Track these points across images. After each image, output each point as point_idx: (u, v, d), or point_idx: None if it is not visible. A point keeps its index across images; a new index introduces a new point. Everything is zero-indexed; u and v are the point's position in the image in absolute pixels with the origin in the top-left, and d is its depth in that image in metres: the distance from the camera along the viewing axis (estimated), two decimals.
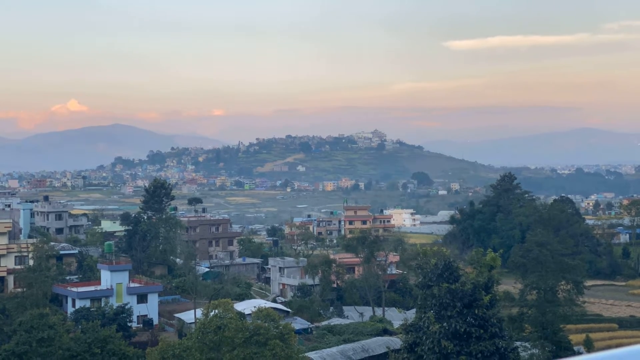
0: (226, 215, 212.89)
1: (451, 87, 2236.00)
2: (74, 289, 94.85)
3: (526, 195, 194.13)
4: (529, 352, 73.99)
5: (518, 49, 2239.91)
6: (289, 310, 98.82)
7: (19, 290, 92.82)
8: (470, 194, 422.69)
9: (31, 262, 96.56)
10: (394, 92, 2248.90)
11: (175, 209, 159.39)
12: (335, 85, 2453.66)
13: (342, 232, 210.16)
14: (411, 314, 71.75)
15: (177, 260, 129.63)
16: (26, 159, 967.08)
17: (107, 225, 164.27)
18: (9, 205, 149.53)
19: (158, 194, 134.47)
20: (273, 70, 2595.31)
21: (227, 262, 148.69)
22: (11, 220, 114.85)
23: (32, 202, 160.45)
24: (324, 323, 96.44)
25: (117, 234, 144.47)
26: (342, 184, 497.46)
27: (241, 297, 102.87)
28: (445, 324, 41.38)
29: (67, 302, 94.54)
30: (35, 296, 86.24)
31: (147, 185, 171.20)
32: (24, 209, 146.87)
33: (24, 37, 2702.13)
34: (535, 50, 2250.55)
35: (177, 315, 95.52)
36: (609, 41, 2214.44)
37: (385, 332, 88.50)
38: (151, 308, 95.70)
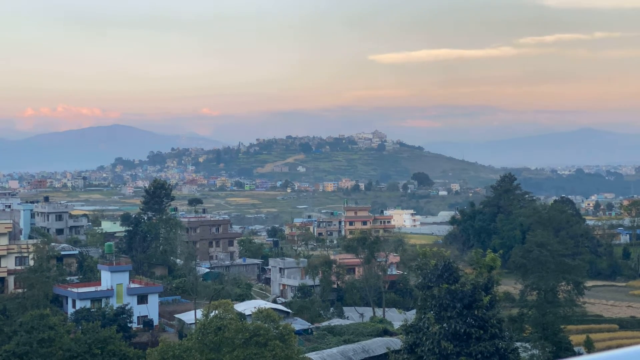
0: (226, 216, 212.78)
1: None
2: (75, 290, 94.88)
3: (526, 195, 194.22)
4: (529, 352, 73.98)
5: (447, 62, 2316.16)
6: (289, 310, 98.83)
7: (20, 291, 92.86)
8: (470, 194, 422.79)
9: (32, 263, 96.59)
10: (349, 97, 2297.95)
11: (175, 209, 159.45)
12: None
13: (343, 232, 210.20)
14: (411, 315, 71.73)
15: (178, 260, 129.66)
16: (26, 160, 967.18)
17: (107, 226, 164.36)
18: (10, 206, 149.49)
19: (158, 194, 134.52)
20: (272, 70, 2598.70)
21: (227, 262, 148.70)
22: (11, 221, 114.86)
23: (32, 202, 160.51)
24: (324, 324, 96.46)
25: (117, 234, 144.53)
26: (343, 184, 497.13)
27: (241, 298, 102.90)
28: (445, 325, 41.38)
29: (67, 303, 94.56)
30: (36, 297, 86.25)
31: (147, 186, 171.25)
32: (24, 210, 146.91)
33: (24, 37, 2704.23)
34: (466, 62, 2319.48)
35: (177, 315, 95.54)
36: (537, 54, 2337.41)
37: (386, 332, 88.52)
38: (151, 309, 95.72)
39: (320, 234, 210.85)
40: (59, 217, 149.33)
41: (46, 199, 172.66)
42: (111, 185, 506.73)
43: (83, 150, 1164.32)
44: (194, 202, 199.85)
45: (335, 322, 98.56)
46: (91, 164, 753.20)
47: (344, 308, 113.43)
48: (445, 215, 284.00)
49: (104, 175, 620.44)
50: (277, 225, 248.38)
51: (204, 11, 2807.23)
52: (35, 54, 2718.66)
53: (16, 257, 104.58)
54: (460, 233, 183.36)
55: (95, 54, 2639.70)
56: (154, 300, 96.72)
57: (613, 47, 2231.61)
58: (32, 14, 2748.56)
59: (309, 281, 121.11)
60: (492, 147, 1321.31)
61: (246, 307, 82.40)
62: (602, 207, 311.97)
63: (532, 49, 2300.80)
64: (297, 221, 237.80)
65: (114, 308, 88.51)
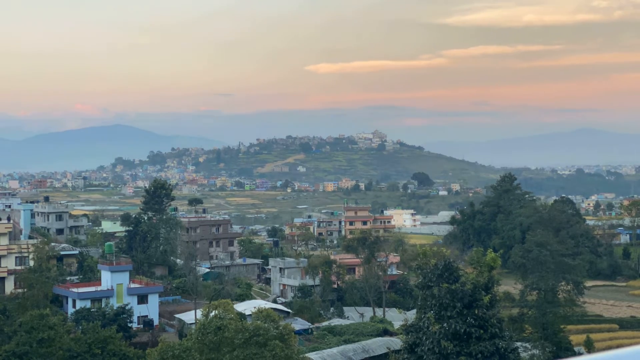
0: (226, 216, 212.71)
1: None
2: (75, 290, 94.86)
3: (526, 195, 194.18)
4: (529, 352, 73.97)
5: (386, 72, 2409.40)
6: (289, 310, 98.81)
7: (20, 291, 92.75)
8: (470, 194, 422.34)
9: (32, 263, 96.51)
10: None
11: (175, 209, 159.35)
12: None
13: (343, 232, 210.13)
14: (412, 315, 71.71)
15: (178, 260, 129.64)
16: (26, 160, 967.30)
17: (107, 226, 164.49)
18: (10, 206, 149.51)
19: (158, 194, 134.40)
20: (272, 69, 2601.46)
21: (227, 262, 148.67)
22: (12, 221, 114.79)
23: (32, 202, 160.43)
24: (325, 324, 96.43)
25: (117, 234, 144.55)
26: (343, 184, 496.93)
27: (241, 298, 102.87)
28: (445, 325, 41.35)
29: (67, 303, 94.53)
30: (36, 297, 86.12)
31: (147, 185, 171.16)
32: (24, 210, 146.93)
33: (25, 37, 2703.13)
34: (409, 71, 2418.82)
35: (177, 315, 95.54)
36: (468, 64, 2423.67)
37: (386, 332, 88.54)
38: (151, 309, 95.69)
39: (320, 234, 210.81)
40: (59, 217, 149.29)
41: (46, 199, 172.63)
42: (111, 185, 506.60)
43: (83, 150, 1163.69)
44: (194, 202, 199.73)
45: (335, 322, 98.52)
46: (91, 164, 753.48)
47: (344, 308, 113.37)
48: (445, 215, 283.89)
49: (104, 175, 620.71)
50: (277, 225, 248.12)
51: (203, 9, 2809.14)
52: (35, 53, 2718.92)
53: (16, 257, 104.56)
54: (460, 233, 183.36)
55: (95, 54, 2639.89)
56: (154, 300, 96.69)
57: (541, 58, 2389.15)
58: (33, 13, 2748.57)
59: (309, 281, 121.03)
60: (492, 147, 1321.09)
61: (246, 307, 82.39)
62: (602, 207, 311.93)
63: (461, 59, 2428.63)
64: (297, 221, 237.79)
65: (114, 308, 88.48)
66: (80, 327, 73.82)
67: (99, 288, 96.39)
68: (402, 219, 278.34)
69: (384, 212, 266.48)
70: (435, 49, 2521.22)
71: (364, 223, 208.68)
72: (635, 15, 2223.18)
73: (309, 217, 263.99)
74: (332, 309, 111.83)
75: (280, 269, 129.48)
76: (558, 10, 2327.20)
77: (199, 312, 72.06)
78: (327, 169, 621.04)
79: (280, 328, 55.12)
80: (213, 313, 54.65)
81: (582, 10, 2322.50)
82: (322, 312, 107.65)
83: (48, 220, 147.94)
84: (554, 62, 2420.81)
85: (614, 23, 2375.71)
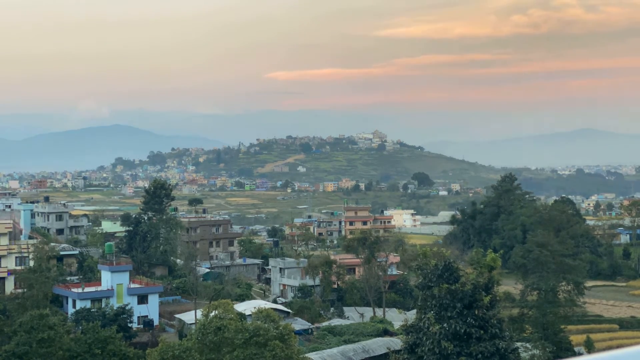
0: (227, 216, 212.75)
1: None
2: (75, 290, 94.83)
3: (527, 196, 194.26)
4: (529, 352, 73.92)
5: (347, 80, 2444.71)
6: (289, 311, 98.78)
7: (20, 291, 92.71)
8: (470, 194, 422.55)
9: (32, 263, 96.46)
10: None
11: (175, 209, 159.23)
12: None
13: (343, 232, 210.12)
14: (412, 315, 71.65)
15: (178, 261, 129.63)
16: (27, 160, 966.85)
17: (107, 226, 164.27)
18: (10, 206, 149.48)
19: (158, 194, 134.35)
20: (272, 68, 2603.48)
21: (227, 262, 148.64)
22: (12, 221, 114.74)
23: (32, 202, 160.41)
24: (325, 324, 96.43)
25: (117, 234, 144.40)
26: (343, 184, 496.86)
27: (241, 298, 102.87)
28: (445, 325, 41.35)
29: (67, 303, 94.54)
30: (36, 297, 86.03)
31: (147, 186, 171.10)
32: (24, 210, 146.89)
33: (25, 37, 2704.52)
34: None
35: (177, 316, 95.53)
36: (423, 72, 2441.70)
37: (386, 332, 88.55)
38: (152, 309, 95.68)
39: (320, 234, 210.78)
40: (59, 217, 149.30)
41: (46, 199, 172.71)
42: (111, 185, 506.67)
43: (83, 150, 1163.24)
44: (194, 202, 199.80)
45: (336, 322, 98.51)
46: (91, 164, 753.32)
47: (344, 308, 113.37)
48: (445, 215, 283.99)
49: (104, 175, 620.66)
50: (277, 225, 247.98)
51: (202, 8, 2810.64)
52: (35, 53, 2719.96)
53: (16, 257, 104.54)
54: (460, 233, 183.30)
55: (94, 53, 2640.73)
56: (154, 300, 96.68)
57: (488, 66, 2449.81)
58: (33, 13, 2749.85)
59: (309, 281, 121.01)
60: (492, 147, 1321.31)
61: (246, 307, 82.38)
62: (602, 207, 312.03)
63: (417, 67, 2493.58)
64: (297, 221, 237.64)
65: (114, 308, 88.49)
66: (80, 327, 73.78)
67: (99, 288, 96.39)
68: (402, 219, 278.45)
69: (384, 212, 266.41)
70: (383, 58, 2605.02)
71: (364, 223, 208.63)
72: (565, 28, 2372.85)
73: (309, 217, 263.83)
74: (332, 309, 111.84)
75: (280, 269, 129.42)
76: (485, 25, 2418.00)
77: (199, 312, 72.04)
78: (327, 169, 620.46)
79: (280, 328, 55.10)
80: (213, 313, 54.65)
81: (504, 24, 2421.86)
82: (322, 312, 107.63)
83: (48, 220, 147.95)
84: (509, 69, 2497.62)
85: (548, 35, 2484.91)
